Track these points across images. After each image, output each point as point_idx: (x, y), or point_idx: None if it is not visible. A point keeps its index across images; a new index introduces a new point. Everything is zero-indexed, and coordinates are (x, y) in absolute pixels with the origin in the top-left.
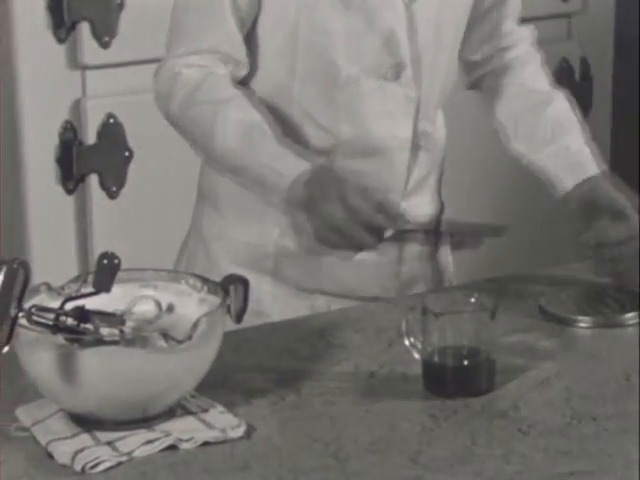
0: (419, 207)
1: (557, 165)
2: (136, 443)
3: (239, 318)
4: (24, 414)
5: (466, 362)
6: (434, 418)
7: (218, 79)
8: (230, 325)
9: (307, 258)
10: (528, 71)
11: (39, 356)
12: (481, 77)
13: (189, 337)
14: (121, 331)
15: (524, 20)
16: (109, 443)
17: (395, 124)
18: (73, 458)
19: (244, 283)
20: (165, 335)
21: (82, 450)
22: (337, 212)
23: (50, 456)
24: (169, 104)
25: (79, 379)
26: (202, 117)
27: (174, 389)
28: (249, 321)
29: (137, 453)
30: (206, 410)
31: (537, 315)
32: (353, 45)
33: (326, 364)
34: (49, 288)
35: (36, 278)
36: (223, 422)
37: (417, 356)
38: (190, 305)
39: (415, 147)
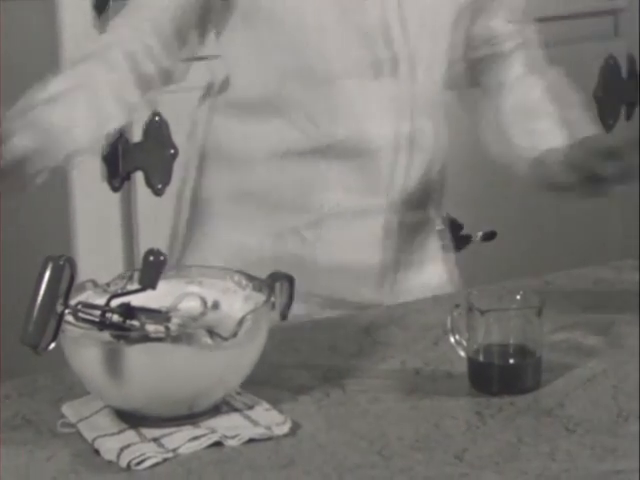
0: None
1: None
2: (182, 440)
3: (284, 315)
4: (70, 410)
5: (512, 360)
6: (480, 415)
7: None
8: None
9: (300, 263)
10: (514, 70)
11: (85, 353)
12: (474, 74)
13: (234, 334)
14: (167, 328)
15: (570, 17)
16: (155, 439)
17: (390, 122)
18: (119, 454)
19: (289, 280)
20: (211, 332)
21: (128, 446)
22: None
23: (96, 452)
24: None
25: (125, 376)
26: None
27: (219, 386)
28: None
29: (182, 450)
30: (251, 407)
31: (583, 312)
32: (345, 40)
33: (371, 361)
34: (95, 285)
35: (82, 275)
36: (268, 419)
37: (462, 354)
38: (235, 302)
39: (412, 145)
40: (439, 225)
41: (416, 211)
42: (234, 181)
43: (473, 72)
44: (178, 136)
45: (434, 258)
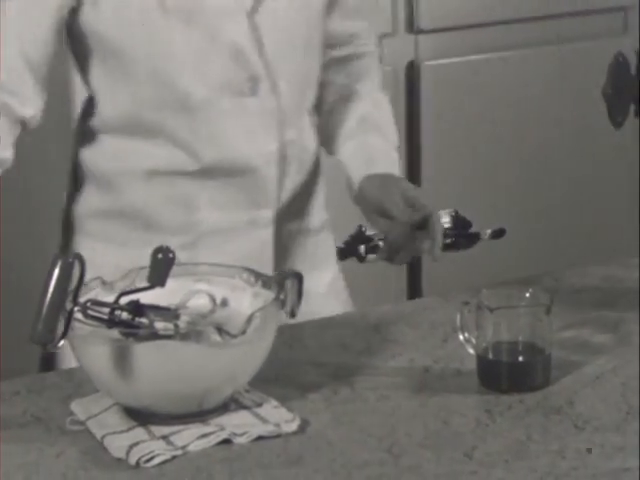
0: (299, 220)
1: (354, 158)
2: (190, 437)
3: (293, 313)
4: (79, 408)
5: (521, 358)
6: (489, 413)
7: None
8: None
9: None
10: (355, 71)
11: (94, 350)
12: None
13: (243, 331)
14: (176, 325)
15: (579, 14)
16: (164, 437)
17: (258, 139)
18: (128, 452)
19: (299, 277)
20: (219, 329)
21: (137, 444)
22: None
23: (105, 450)
24: None
25: (134, 373)
26: None
27: (228, 383)
28: None
29: (191, 447)
30: (260, 404)
31: (592, 310)
32: (200, 64)
33: (380, 359)
34: (103, 283)
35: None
36: (277, 416)
37: (472, 351)
38: (244, 299)
39: (283, 158)
40: (446, 223)
41: (297, 221)
42: (106, 201)
43: (327, 70)
44: None
45: (319, 265)
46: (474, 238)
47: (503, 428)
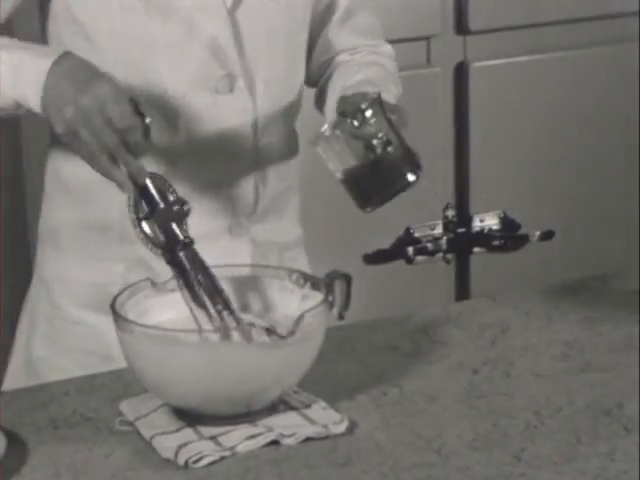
0: (275, 232)
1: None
2: (239, 438)
3: (341, 314)
4: (128, 408)
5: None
6: (538, 415)
7: None
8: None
9: None
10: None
11: (143, 351)
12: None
13: (292, 333)
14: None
15: (632, 14)
16: (212, 438)
17: (233, 140)
18: (176, 452)
19: (347, 279)
20: (268, 330)
21: (185, 444)
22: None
23: (154, 450)
24: None
25: (183, 374)
26: None
27: (277, 384)
28: (98, 368)
29: (240, 448)
30: (308, 406)
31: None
32: (176, 57)
33: (428, 361)
34: (153, 284)
35: None
36: (325, 418)
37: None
38: (293, 301)
39: (259, 163)
40: (495, 224)
41: (273, 232)
42: (77, 212)
43: (316, 74)
44: None
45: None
46: (523, 240)
47: (552, 430)
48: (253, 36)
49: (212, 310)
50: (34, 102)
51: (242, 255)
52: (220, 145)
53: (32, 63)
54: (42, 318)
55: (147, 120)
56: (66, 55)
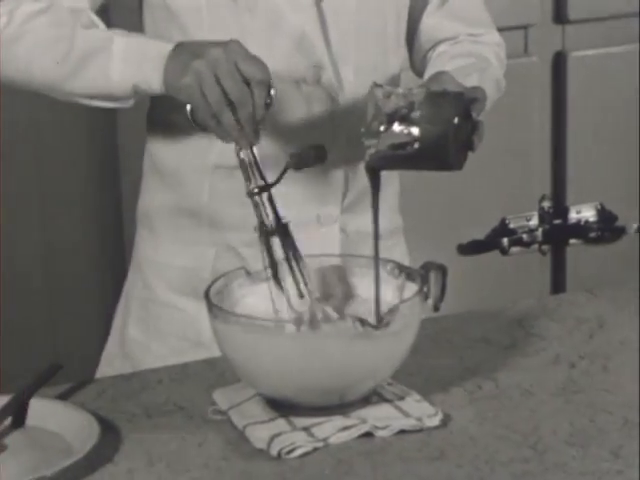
0: (366, 221)
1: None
2: (332, 429)
3: (437, 306)
4: (221, 397)
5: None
6: (636, 411)
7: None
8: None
9: None
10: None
11: (237, 340)
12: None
13: (387, 324)
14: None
15: None
16: (305, 429)
17: (320, 130)
18: (269, 443)
19: (443, 270)
20: (362, 321)
21: (278, 435)
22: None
23: (246, 440)
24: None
25: (277, 364)
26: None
27: (371, 376)
28: (189, 353)
29: (333, 440)
30: (402, 398)
31: None
32: (264, 48)
33: (524, 354)
34: (247, 272)
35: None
36: (419, 410)
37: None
38: (388, 291)
39: (349, 152)
40: (592, 216)
41: (364, 221)
42: (170, 196)
43: (421, 66)
44: None
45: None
46: (620, 232)
47: None
48: (340, 26)
49: (308, 298)
50: (157, 80)
51: (331, 244)
52: (307, 135)
53: (154, 45)
54: (136, 301)
55: (272, 91)
56: (184, 42)
